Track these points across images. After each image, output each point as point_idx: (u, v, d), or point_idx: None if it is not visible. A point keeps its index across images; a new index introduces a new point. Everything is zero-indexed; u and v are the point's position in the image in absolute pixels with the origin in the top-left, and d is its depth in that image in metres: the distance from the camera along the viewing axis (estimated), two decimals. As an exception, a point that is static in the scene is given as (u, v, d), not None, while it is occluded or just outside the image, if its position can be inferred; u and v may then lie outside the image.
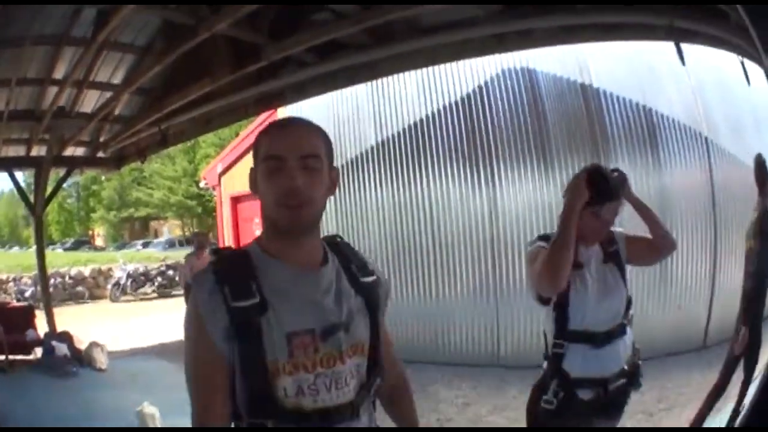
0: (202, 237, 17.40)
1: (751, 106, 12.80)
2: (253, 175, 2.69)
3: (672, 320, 11.93)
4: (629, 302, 4.76)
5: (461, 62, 12.12)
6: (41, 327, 15.21)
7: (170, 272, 32.84)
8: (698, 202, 12.57)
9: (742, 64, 6.47)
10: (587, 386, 4.53)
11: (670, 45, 7.09)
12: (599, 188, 4.56)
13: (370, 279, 2.85)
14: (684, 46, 7.42)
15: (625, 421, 5.01)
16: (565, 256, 4.35)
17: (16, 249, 61.05)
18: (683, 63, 7.03)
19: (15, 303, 22.81)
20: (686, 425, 9.19)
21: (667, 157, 12.56)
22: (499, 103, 13.01)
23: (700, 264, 12.50)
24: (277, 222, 2.59)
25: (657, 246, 4.85)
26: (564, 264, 4.36)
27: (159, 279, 32.34)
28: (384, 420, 3.06)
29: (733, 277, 12.04)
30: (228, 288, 2.49)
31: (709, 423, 8.44)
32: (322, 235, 2.83)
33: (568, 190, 4.55)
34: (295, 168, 2.55)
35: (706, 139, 12.68)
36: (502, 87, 13.02)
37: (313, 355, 2.54)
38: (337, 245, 2.90)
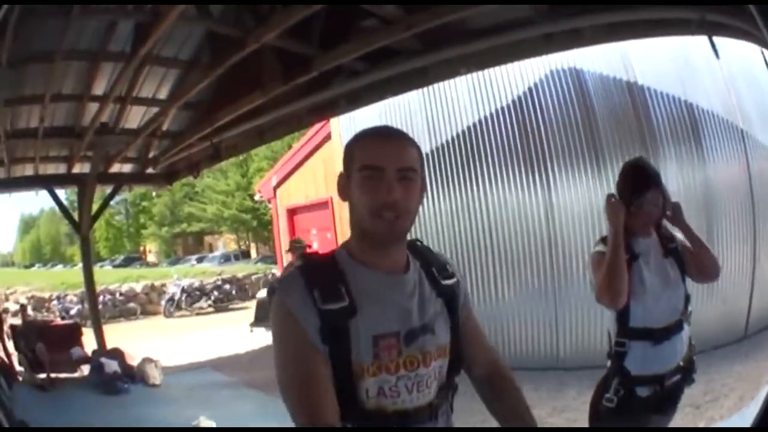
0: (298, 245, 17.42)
1: None
2: (344, 181, 2.72)
3: (717, 313, 11.75)
4: (688, 299, 4.80)
5: (510, 65, 12.12)
6: (89, 344, 15.29)
7: (226, 286, 33.07)
8: (738, 194, 12.53)
9: (764, 55, 6.49)
10: (646, 383, 4.63)
11: (702, 39, 7.21)
12: (634, 180, 4.83)
13: (450, 281, 2.89)
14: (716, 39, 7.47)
15: (675, 417, 5.07)
16: (618, 277, 4.53)
17: (59, 267, 61.02)
18: (717, 56, 7.15)
19: (59, 321, 23.02)
20: (727, 414, 9.25)
21: (710, 150, 12.53)
22: (550, 104, 13.01)
23: (742, 255, 12.46)
24: (372, 232, 2.62)
25: (703, 271, 4.85)
26: (619, 285, 4.54)
27: (215, 293, 32.34)
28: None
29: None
30: (317, 291, 2.52)
31: (726, 423, 8.47)
32: None
33: (606, 213, 4.76)
34: (393, 180, 2.58)
35: (742, 131, 12.65)
36: (552, 88, 13.03)
37: (396, 358, 2.58)
38: (417, 249, 2.93)
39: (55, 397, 13.02)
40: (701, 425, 9.17)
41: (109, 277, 35.03)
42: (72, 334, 15.61)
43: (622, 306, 4.61)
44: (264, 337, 17.09)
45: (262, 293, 22.34)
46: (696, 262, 4.77)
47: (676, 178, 12.24)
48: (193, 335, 22.51)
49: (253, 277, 35.67)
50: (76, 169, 14.56)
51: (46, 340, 14.33)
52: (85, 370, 14.26)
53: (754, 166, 12.52)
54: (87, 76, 10.31)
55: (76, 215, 15.86)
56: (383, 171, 2.58)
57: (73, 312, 28.46)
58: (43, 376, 13.64)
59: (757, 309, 12.38)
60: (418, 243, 2.98)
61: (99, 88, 10.70)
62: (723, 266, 11.82)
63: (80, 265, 19.39)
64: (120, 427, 10.73)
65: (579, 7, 7.46)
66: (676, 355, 4.66)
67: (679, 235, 4.89)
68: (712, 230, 12.14)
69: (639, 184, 4.81)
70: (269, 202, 25.51)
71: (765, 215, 12.49)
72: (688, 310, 4.80)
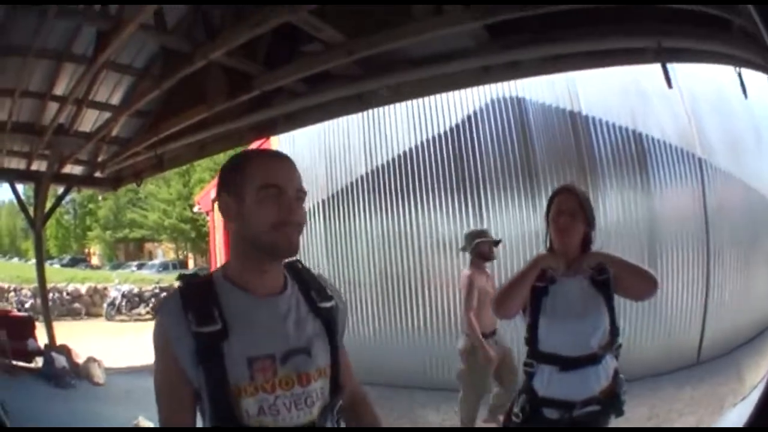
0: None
1: (752, 119, 13.23)
2: (234, 203, 2.81)
3: (663, 341, 12.05)
4: (613, 332, 4.74)
5: (451, 92, 12.25)
6: (41, 338, 15.50)
7: (164, 294, 32.54)
8: (690, 223, 12.64)
9: (740, 76, 6.50)
10: (553, 407, 4.66)
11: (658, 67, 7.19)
12: (552, 193, 5.02)
13: (328, 304, 2.99)
14: (679, 64, 7.52)
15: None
16: (512, 293, 4.75)
17: (15, 260, 60.75)
18: (670, 86, 6.92)
19: (16, 312, 23.00)
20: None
21: (658, 180, 12.61)
22: (488, 132, 13.16)
23: (693, 285, 12.57)
24: (275, 245, 2.74)
25: (632, 292, 4.81)
26: (509, 300, 4.78)
27: (153, 301, 32.32)
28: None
29: (727, 294, 12.63)
30: (192, 314, 2.65)
31: (724, 422, 8.59)
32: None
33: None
34: (293, 198, 2.77)
35: (699, 160, 12.75)
36: (491, 116, 13.18)
37: (272, 378, 2.69)
38: (297, 270, 3.05)
39: (18, 383, 13.34)
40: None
41: (57, 276, 35.18)
42: (28, 327, 15.83)
43: (506, 319, 5.04)
44: None
45: None
46: (625, 285, 4.70)
47: (618, 208, 12.40)
48: (132, 339, 22.43)
49: (190, 288, 35.38)
50: (35, 166, 14.68)
51: (7, 329, 14.53)
52: (38, 362, 14.52)
53: (711, 195, 12.64)
54: (51, 75, 10.43)
55: (32, 211, 15.87)
56: (285, 190, 2.74)
57: (27, 305, 28.50)
58: (6, 361, 13.97)
59: (712, 337, 12.51)
60: (299, 264, 3.09)
61: (59, 89, 10.81)
62: (670, 295, 12.01)
63: (33, 260, 19.43)
64: (103, 427, 10.95)
65: (523, 38, 7.43)
66: (588, 386, 4.63)
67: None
68: (656, 260, 12.24)
69: (556, 190, 5.00)
70: (207, 214, 25.44)
71: (724, 242, 12.71)
72: (615, 344, 4.78)
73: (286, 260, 2.97)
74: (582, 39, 7.18)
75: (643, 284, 4.71)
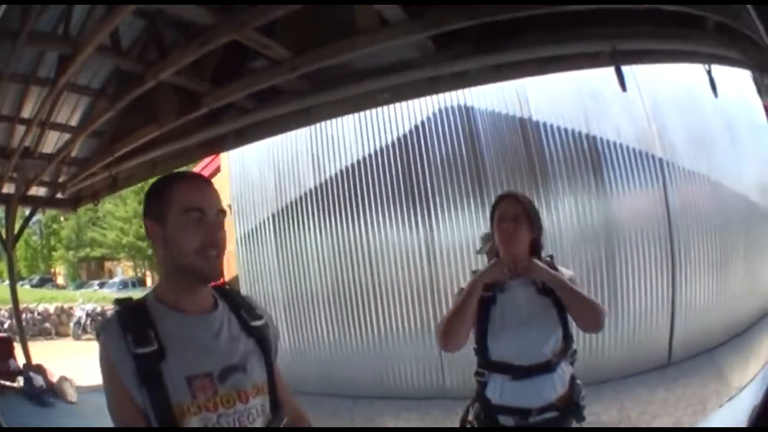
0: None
1: (723, 116, 13.20)
2: (156, 226, 2.90)
3: (628, 343, 12.08)
4: (567, 338, 4.59)
5: (398, 103, 12.18)
6: (19, 359, 15.51)
7: (100, 318, 32.43)
8: (651, 224, 12.66)
9: (709, 74, 6.52)
10: (508, 414, 4.52)
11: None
12: (495, 199, 4.79)
13: (259, 322, 3.07)
14: (641, 66, 7.52)
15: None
16: (456, 328, 4.52)
17: (-11, 281, 60.37)
18: (624, 89, 6.76)
19: (-3, 333, 23.03)
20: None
21: (614, 182, 12.64)
22: (436, 142, 13.23)
23: (657, 285, 12.60)
24: (200, 270, 2.83)
25: (579, 322, 4.52)
26: (454, 336, 4.54)
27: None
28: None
29: (698, 294, 12.63)
30: (131, 336, 2.70)
31: (711, 423, 8.62)
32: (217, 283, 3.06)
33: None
34: (215, 221, 2.86)
35: (660, 160, 12.77)
36: (439, 126, 13.25)
37: (213, 397, 2.75)
38: (224, 291, 3.14)
39: (3, 402, 13.48)
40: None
41: (28, 296, 35.04)
42: (7, 347, 15.80)
43: (457, 350, 4.58)
44: None
45: None
46: (570, 312, 4.51)
47: (571, 212, 12.46)
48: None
49: (150, 307, 35.22)
50: (5, 189, 14.60)
51: (-10, 349, 14.56)
52: (20, 381, 14.54)
53: (673, 195, 12.70)
54: (19, 99, 10.49)
55: (3, 232, 15.94)
56: (206, 213, 2.84)
57: (6, 326, 28.39)
58: None
59: (683, 336, 12.52)
60: (227, 286, 3.19)
61: (26, 112, 10.88)
62: (633, 297, 12.06)
63: (7, 282, 19.48)
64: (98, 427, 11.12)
65: (467, 49, 7.53)
66: (542, 394, 4.48)
67: (566, 271, 4.69)
68: (614, 263, 12.39)
69: (498, 197, 4.82)
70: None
71: (690, 241, 12.74)
72: (570, 350, 4.63)
73: (214, 284, 3.05)
74: (531, 46, 7.26)
75: (584, 315, 4.48)
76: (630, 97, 12.20)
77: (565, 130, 12.83)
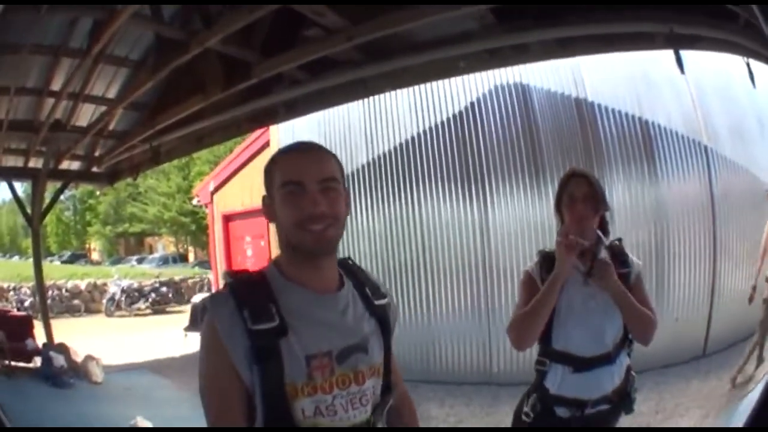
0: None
1: (756, 109, 13.09)
2: (267, 202, 2.79)
3: (669, 332, 11.66)
4: (628, 331, 4.52)
5: (454, 79, 12.15)
6: (39, 337, 15.34)
7: (164, 289, 33.18)
8: (697, 212, 12.53)
9: (748, 66, 6.36)
10: (565, 405, 4.48)
11: (667, 53, 6.96)
12: (563, 177, 4.65)
13: (383, 301, 2.93)
14: (685, 52, 7.31)
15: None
16: (534, 325, 4.36)
17: (16, 258, 60.75)
18: (683, 71, 6.85)
19: (15, 312, 22.97)
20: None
21: (664, 168, 12.48)
22: (492, 119, 13.00)
23: (700, 274, 12.44)
24: (301, 245, 2.65)
25: (632, 332, 4.49)
26: (530, 333, 4.40)
27: (153, 295, 32.36)
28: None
29: (734, 284, 12.41)
30: (247, 311, 2.52)
31: (730, 417, 8.42)
32: None
33: (557, 251, 4.44)
34: (316, 192, 2.64)
35: (705, 148, 12.66)
36: (495, 103, 13.01)
37: (329, 377, 2.59)
38: (350, 268, 2.97)
39: (16, 384, 13.25)
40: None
41: (57, 273, 35.12)
42: (26, 326, 15.63)
43: (526, 349, 4.53)
44: (197, 343, 17.52)
45: (198, 297, 23.27)
46: (626, 324, 4.44)
47: (624, 195, 12.31)
48: (132, 336, 22.68)
49: (190, 281, 35.94)
50: (32, 163, 14.49)
51: (5, 329, 14.43)
52: (37, 361, 14.35)
53: (718, 184, 12.55)
54: (48, 71, 10.25)
55: (29, 208, 15.78)
56: (304, 185, 2.63)
57: (26, 304, 28.48)
58: (5, 362, 13.86)
59: (719, 327, 12.35)
60: (350, 262, 3.02)
61: (56, 84, 10.64)
62: (676, 285, 11.87)
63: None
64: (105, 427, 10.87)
65: (528, 22, 7.32)
66: (601, 386, 4.46)
67: (637, 261, 4.62)
68: (663, 248, 12.20)
69: (565, 176, 4.65)
70: (206, 206, 25.38)
71: (730, 232, 12.61)
72: (628, 341, 4.56)
73: (339, 259, 2.92)
74: (590, 22, 7.01)
75: (636, 331, 4.46)
76: (678, 83, 12.18)
77: (620, 112, 12.67)
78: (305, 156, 2.75)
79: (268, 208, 2.78)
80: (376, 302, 2.89)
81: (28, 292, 29.93)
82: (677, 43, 6.66)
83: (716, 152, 12.72)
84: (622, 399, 4.56)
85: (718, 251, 12.53)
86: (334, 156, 2.83)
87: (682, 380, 11.14)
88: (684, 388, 10.82)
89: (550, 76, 12.82)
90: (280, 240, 2.75)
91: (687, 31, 6.53)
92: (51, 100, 11.08)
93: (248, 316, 2.50)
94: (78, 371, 14.20)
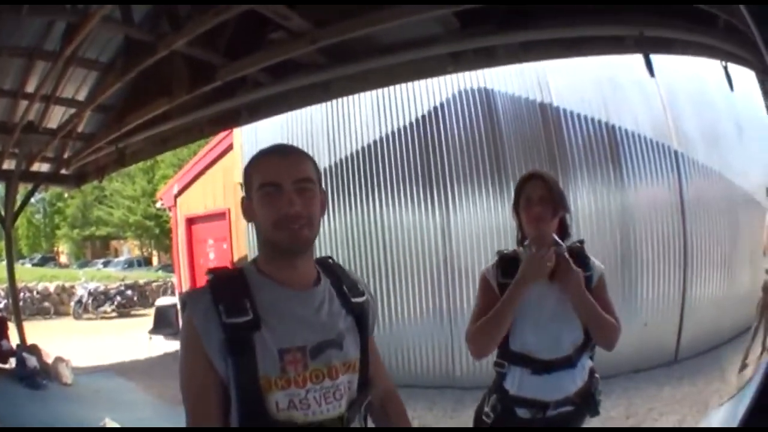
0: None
1: (733, 113, 13.02)
2: (247, 205, 2.85)
3: (638, 337, 11.63)
4: (588, 333, 4.39)
5: (418, 82, 12.17)
6: (13, 338, 15.35)
7: (128, 292, 33.28)
8: (666, 217, 12.50)
9: (725, 69, 6.40)
10: (525, 406, 4.45)
11: (637, 57, 7.02)
12: (520, 178, 4.57)
13: (361, 299, 2.99)
14: (658, 57, 7.37)
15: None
16: (494, 335, 4.32)
17: (-10, 261, 60.58)
18: (652, 75, 6.85)
19: (-10, 313, 22.97)
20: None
21: (631, 173, 12.46)
22: (455, 123, 12.96)
23: (669, 279, 12.44)
24: (279, 243, 2.72)
25: (594, 341, 4.40)
26: (489, 343, 4.37)
27: (118, 298, 32.46)
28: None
29: (708, 291, 12.48)
30: (222, 305, 2.61)
31: (710, 422, 8.44)
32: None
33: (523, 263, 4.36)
34: (292, 192, 2.71)
35: (676, 152, 12.64)
36: (459, 107, 12.99)
37: (303, 371, 2.65)
38: (328, 266, 3.05)
39: None
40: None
41: (28, 275, 35.14)
42: (1, 327, 15.54)
43: (484, 357, 4.46)
44: (161, 345, 18.09)
45: (161, 301, 23.62)
46: (589, 329, 4.35)
47: (589, 200, 12.28)
48: (99, 338, 22.70)
49: (154, 285, 35.95)
50: (6, 165, 14.45)
51: (-19, 330, 14.49)
52: (13, 362, 14.43)
53: (689, 189, 12.54)
54: (22, 74, 10.31)
55: (2, 210, 15.79)
56: (281, 186, 2.70)
57: (1, 305, 28.37)
58: None
59: (692, 333, 12.37)
60: (330, 260, 3.10)
61: (31, 86, 10.68)
62: (646, 291, 11.92)
63: (5, 261, 19.40)
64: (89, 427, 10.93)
65: (491, 26, 7.37)
66: (561, 388, 4.39)
67: (599, 264, 4.54)
68: (631, 253, 12.21)
69: (523, 178, 4.56)
70: (170, 210, 25.31)
71: (702, 236, 12.60)
72: (590, 344, 4.45)
73: (318, 257, 3.04)
74: (557, 26, 7.10)
75: (598, 337, 4.37)
76: (647, 87, 12.21)
77: (585, 117, 12.62)
78: (282, 159, 2.82)
79: (247, 209, 2.85)
80: (354, 300, 2.94)
81: (2, 294, 29.88)
82: (649, 46, 6.73)
83: (687, 157, 12.69)
84: (586, 401, 4.51)
85: (689, 256, 12.50)
86: (311, 158, 2.91)
87: (653, 385, 11.15)
88: (656, 393, 10.83)
89: (514, 79, 12.81)
90: (259, 239, 2.84)
91: (661, 34, 6.62)
92: (25, 102, 11.11)
93: (223, 310, 2.59)
94: (49, 373, 14.22)
